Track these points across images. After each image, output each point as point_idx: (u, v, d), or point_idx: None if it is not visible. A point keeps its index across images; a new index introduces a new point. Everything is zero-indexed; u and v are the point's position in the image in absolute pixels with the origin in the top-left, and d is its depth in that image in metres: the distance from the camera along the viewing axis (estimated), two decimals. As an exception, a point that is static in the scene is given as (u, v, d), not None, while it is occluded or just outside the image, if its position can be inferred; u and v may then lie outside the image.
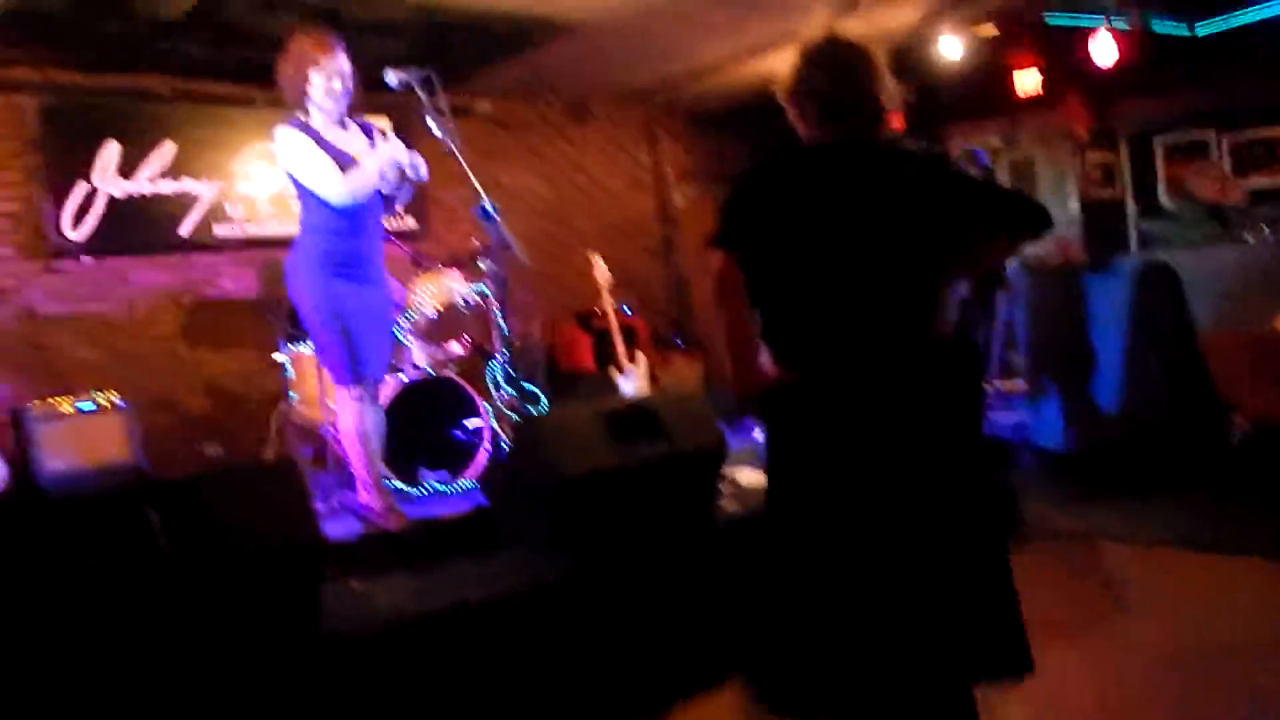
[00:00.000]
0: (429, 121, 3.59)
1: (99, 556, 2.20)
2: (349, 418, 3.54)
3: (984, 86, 6.66)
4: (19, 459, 4.45)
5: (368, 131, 3.62)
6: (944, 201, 2.05)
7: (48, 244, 5.01)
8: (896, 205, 2.02)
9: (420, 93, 3.60)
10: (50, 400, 4.63)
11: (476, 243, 5.40)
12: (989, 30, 6.39)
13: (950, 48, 6.19)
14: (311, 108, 3.45)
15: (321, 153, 3.36)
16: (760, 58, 6.28)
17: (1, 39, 4.67)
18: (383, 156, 3.41)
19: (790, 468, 2.08)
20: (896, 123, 3.04)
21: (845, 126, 2.08)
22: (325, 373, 3.93)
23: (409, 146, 3.60)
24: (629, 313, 6.20)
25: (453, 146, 3.59)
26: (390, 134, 3.64)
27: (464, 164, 3.59)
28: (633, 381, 5.70)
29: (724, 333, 2.10)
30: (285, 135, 3.38)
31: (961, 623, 2.00)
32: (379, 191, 3.52)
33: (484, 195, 3.59)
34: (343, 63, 3.43)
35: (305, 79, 3.39)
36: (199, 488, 2.35)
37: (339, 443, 4.32)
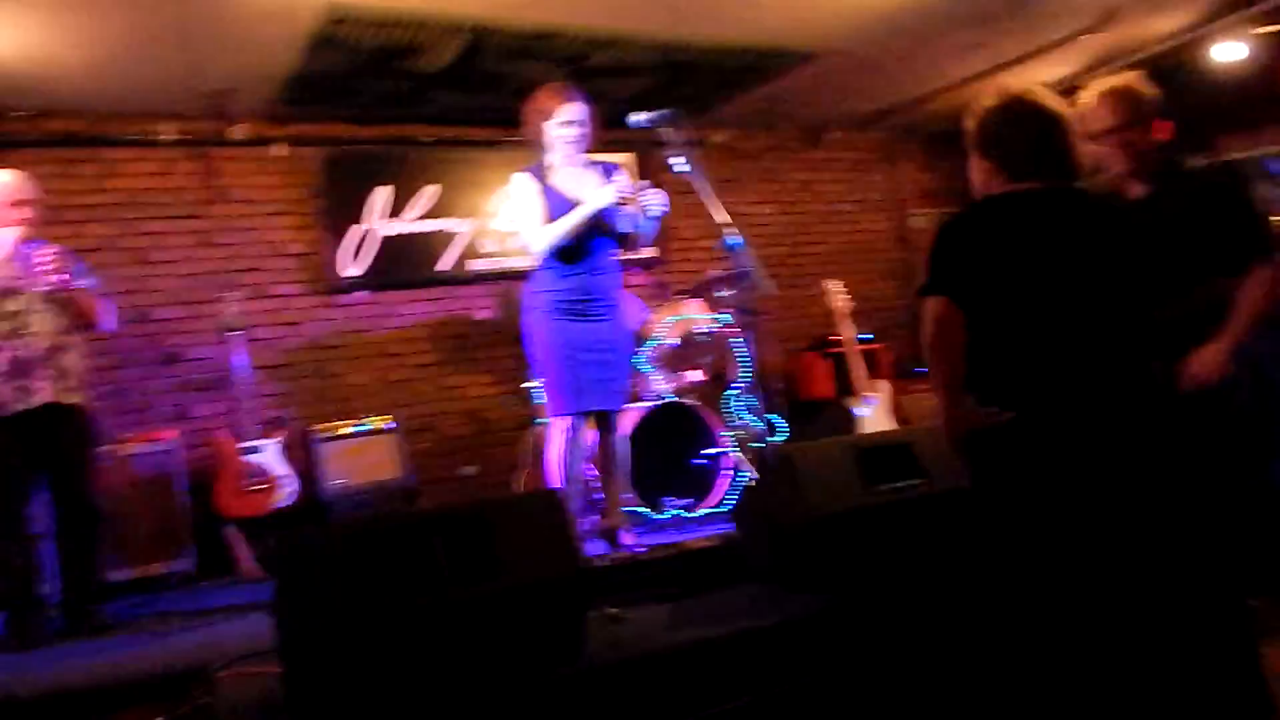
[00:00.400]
0: (672, 159, 3.68)
1: (386, 576, 2.38)
2: (556, 447, 3.69)
3: (1263, 90, 6.05)
4: (306, 474, 4.91)
5: (607, 172, 3.73)
6: (1154, 246, 2.11)
7: (329, 281, 5.53)
8: (1106, 249, 2.06)
9: (663, 131, 3.70)
10: (331, 422, 5.10)
11: (716, 272, 5.48)
12: (1267, 30, 5.80)
13: (1223, 52, 5.67)
14: (550, 153, 3.63)
15: (536, 202, 3.58)
16: (1008, 73, 6.02)
17: (291, 99, 5.23)
18: (601, 199, 3.53)
19: (1003, 509, 2.07)
20: (1164, 134, 2.81)
21: (1036, 178, 2.12)
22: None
23: (650, 182, 3.71)
24: (869, 339, 6.07)
25: (697, 182, 3.66)
26: (623, 175, 3.73)
27: (710, 199, 3.65)
28: (873, 410, 5.57)
29: (942, 376, 2.12)
30: (516, 181, 3.66)
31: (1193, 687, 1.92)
32: (615, 229, 3.65)
33: (729, 227, 3.63)
34: (577, 112, 3.58)
35: (541, 128, 3.59)
36: (475, 515, 2.49)
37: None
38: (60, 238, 4.07)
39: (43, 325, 3.58)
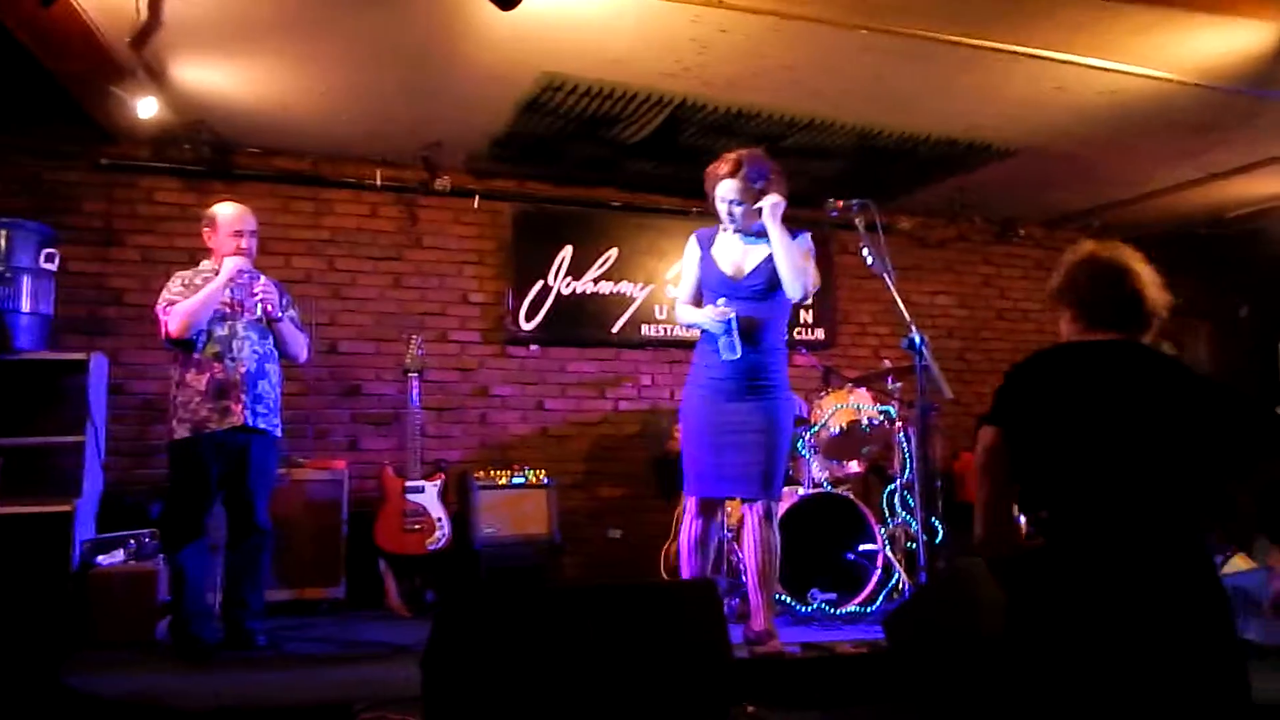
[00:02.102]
0: (863, 249, 3.62)
1: (537, 646, 2.39)
2: (685, 529, 3.61)
3: None
4: (459, 519, 5.02)
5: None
6: (1209, 412, 2.15)
7: (506, 331, 5.70)
8: (1163, 406, 2.15)
9: (857, 220, 3.65)
10: (489, 470, 5.22)
11: (886, 363, 5.34)
12: None
13: None
14: (723, 220, 3.65)
15: (693, 269, 3.67)
16: (1223, 183, 5.71)
17: (494, 156, 5.47)
18: (704, 319, 3.52)
19: (1030, 633, 2.16)
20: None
21: (1111, 329, 2.27)
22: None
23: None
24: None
25: (878, 270, 3.60)
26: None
27: (895, 293, 3.58)
28: (1041, 525, 5.26)
29: (984, 498, 2.27)
30: (689, 243, 3.72)
31: None
32: (777, 304, 3.60)
33: (913, 326, 3.53)
34: (734, 186, 3.53)
35: (712, 194, 3.62)
36: (630, 597, 2.48)
37: (733, 550, 4.42)
38: (271, 268, 4.38)
39: (246, 351, 3.80)
